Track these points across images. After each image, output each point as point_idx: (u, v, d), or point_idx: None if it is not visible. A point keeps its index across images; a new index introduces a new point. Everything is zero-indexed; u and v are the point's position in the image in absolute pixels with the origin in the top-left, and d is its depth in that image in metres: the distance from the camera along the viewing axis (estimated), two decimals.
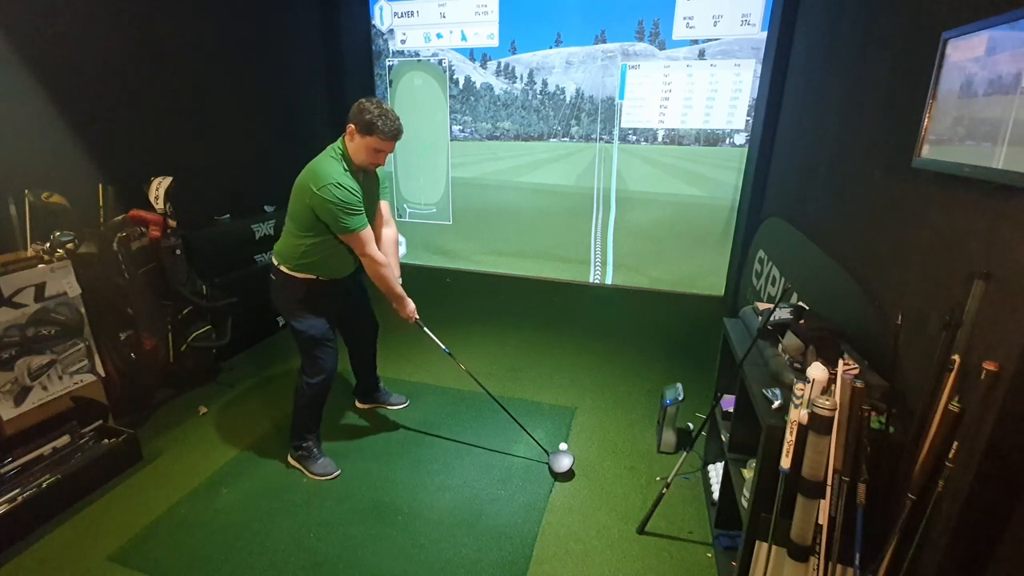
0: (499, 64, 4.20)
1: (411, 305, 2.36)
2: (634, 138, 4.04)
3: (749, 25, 3.57)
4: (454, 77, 4.35)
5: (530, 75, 4.17)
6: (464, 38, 4.21)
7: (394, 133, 2.02)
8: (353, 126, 2.00)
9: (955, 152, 1.34)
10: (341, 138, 2.07)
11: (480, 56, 4.23)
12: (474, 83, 4.31)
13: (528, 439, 2.56)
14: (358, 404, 2.88)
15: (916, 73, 1.55)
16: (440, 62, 4.35)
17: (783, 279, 2.57)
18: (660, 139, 4.00)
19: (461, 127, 4.48)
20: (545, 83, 4.15)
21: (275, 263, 2.22)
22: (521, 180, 4.46)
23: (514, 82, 4.22)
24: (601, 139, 4.13)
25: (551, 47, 4.06)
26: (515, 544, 2.00)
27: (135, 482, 2.31)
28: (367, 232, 2.10)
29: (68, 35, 2.57)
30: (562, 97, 4.15)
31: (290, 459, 2.43)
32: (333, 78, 4.43)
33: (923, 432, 1.25)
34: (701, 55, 3.73)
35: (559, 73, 4.10)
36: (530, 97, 4.23)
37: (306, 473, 2.35)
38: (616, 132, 4.07)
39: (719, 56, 3.69)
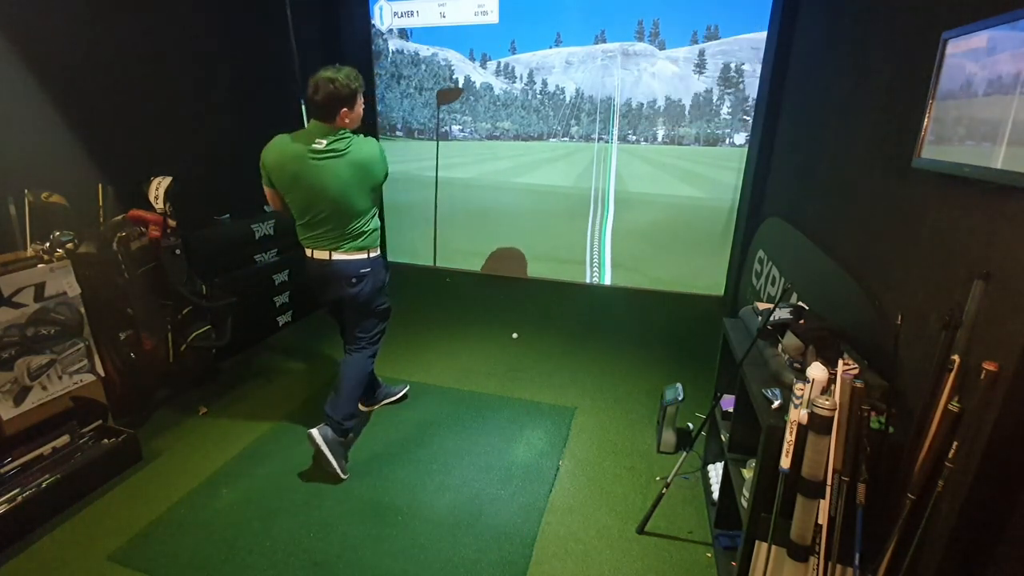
0: (499, 64, 4.20)
1: None
2: (634, 138, 4.04)
3: (749, 25, 3.57)
4: (454, 77, 4.35)
5: (530, 75, 4.17)
6: (464, 38, 4.21)
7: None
8: (350, 104, 2.11)
9: (955, 152, 1.34)
10: (326, 127, 2.10)
11: (480, 56, 4.23)
12: (474, 83, 4.31)
13: (528, 439, 2.56)
14: (363, 408, 2.87)
15: (916, 73, 1.56)
16: (440, 62, 4.35)
17: (783, 279, 2.57)
18: (660, 139, 4.00)
19: (461, 127, 4.48)
20: (545, 83, 4.15)
21: (365, 257, 2.28)
22: (519, 180, 4.47)
23: (514, 82, 4.22)
24: (600, 139, 4.13)
25: (551, 47, 4.06)
26: (515, 544, 2.00)
27: (135, 482, 2.31)
28: None
29: (68, 35, 2.56)
30: (562, 97, 4.15)
31: (323, 442, 2.24)
32: None
33: (923, 432, 1.25)
34: (701, 55, 3.73)
35: (559, 73, 4.10)
36: (530, 97, 4.23)
37: (333, 461, 2.25)
38: (615, 132, 4.07)
39: (719, 56, 3.69)
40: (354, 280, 2.27)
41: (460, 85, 4.35)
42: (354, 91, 2.10)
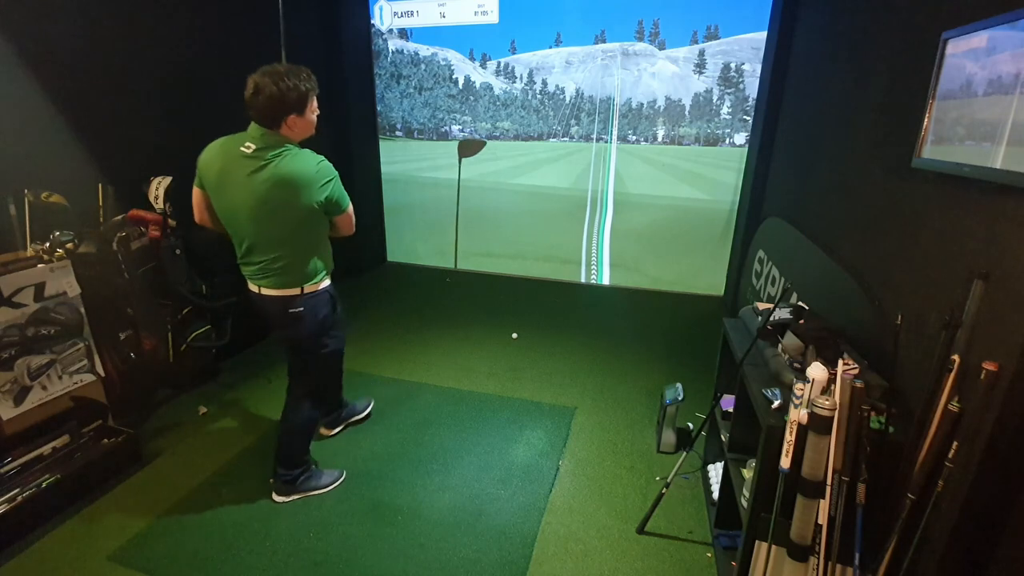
0: (499, 64, 4.21)
1: None
2: (633, 138, 4.05)
3: (749, 25, 3.58)
4: (453, 77, 4.35)
5: (530, 75, 4.17)
6: (464, 38, 4.21)
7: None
8: (299, 109, 1.75)
9: (955, 152, 1.34)
10: (263, 132, 1.75)
11: (480, 56, 4.23)
12: (474, 83, 4.31)
13: (528, 439, 2.56)
14: (327, 432, 2.60)
15: (916, 73, 1.56)
16: (440, 62, 4.35)
17: (783, 279, 2.57)
18: (660, 139, 4.00)
19: (461, 127, 4.49)
20: (545, 83, 4.15)
21: (296, 293, 1.90)
22: (519, 181, 4.47)
23: (514, 82, 4.22)
24: (600, 139, 4.14)
25: (551, 47, 4.06)
26: (515, 544, 2.00)
27: (135, 482, 2.31)
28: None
29: (68, 35, 2.56)
30: (562, 97, 4.15)
31: (285, 497, 2.17)
32: (333, 78, 4.43)
33: (923, 432, 1.25)
34: (701, 55, 3.74)
35: (559, 73, 4.10)
36: (530, 97, 4.23)
37: (312, 492, 2.20)
38: (615, 132, 4.08)
39: (719, 56, 3.70)
40: (291, 313, 1.93)
41: (460, 86, 4.35)
42: (304, 94, 1.73)
